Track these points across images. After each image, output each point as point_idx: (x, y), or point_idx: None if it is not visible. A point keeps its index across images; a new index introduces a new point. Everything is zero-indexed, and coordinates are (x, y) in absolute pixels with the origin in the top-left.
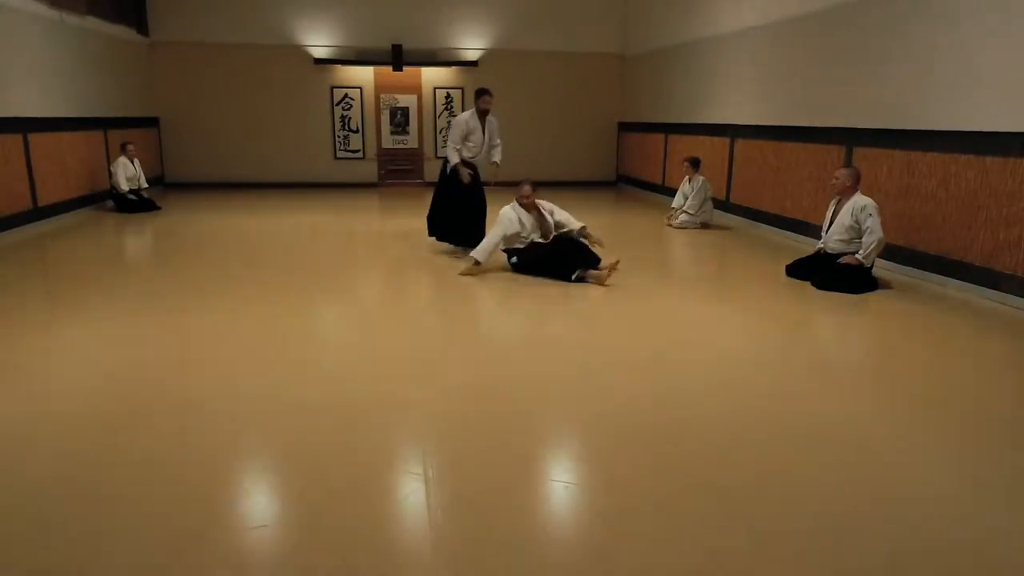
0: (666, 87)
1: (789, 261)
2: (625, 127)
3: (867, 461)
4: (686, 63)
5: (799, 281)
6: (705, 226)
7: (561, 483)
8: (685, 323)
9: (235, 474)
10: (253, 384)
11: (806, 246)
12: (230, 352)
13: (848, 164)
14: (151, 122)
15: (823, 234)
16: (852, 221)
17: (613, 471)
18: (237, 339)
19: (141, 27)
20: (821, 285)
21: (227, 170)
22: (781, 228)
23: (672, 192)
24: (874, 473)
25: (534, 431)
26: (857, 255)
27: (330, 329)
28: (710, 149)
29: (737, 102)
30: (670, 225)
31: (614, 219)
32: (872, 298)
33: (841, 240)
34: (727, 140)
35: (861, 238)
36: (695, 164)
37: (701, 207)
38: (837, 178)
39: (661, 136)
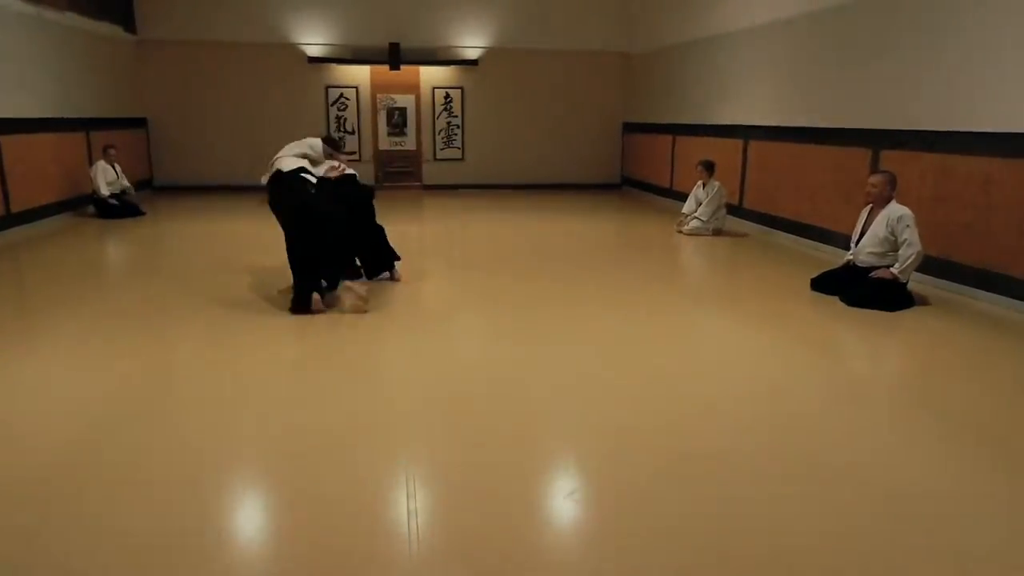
0: (674, 86)
1: (812, 272)
2: (630, 128)
3: (897, 500)
4: (696, 61)
5: (826, 296)
6: (718, 233)
7: (562, 501)
8: (699, 342)
9: (223, 497)
10: (238, 413)
11: (828, 256)
12: (214, 378)
13: (876, 168)
14: (139, 123)
15: (852, 245)
16: (887, 232)
17: (615, 502)
18: (222, 363)
19: (128, 24)
20: (852, 301)
21: (218, 173)
22: (799, 235)
23: (681, 196)
24: (906, 514)
25: (528, 460)
26: (892, 269)
27: (315, 353)
28: (722, 151)
29: (751, 102)
30: (680, 232)
31: (619, 224)
32: (908, 316)
33: (874, 253)
34: (740, 142)
35: (896, 251)
36: (709, 168)
37: (714, 214)
38: (873, 185)
39: (669, 138)
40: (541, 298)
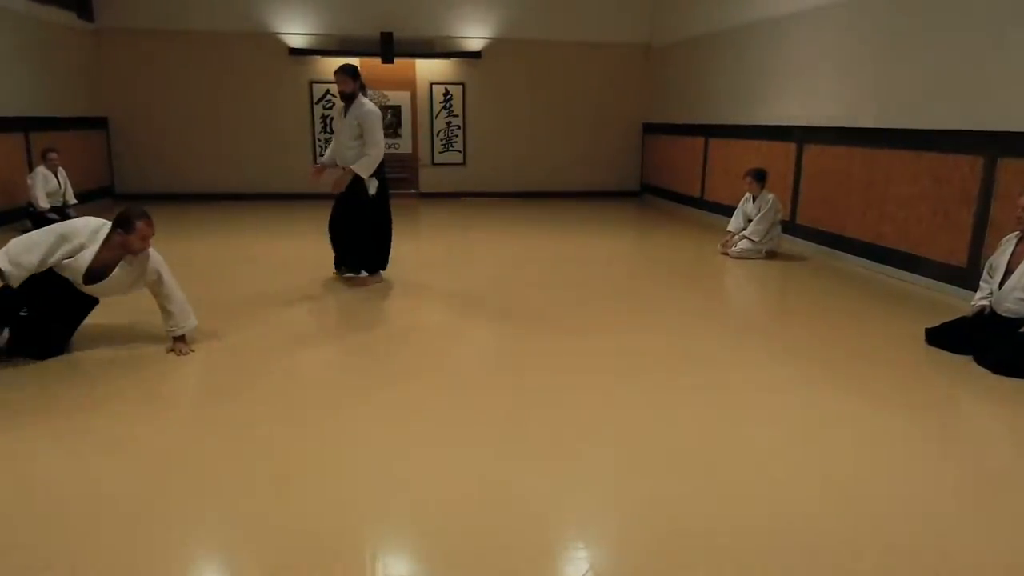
0: (707, 82)
1: (908, 311)
2: (651, 129)
3: None
4: (734, 52)
5: (951, 355)
6: (771, 256)
7: None
8: (773, 418)
9: None
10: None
11: (918, 288)
12: (169, 462)
13: (990, 181)
14: (98, 123)
15: (985, 284)
16: None
17: None
18: (167, 446)
19: (83, 10)
20: (995, 366)
21: (188, 179)
22: (874, 261)
23: (714, 208)
24: None
25: None
26: None
27: (275, 431)
28: (768, 156)
29: (808, 98)
30: (726, 254)
31: (649, 243)
32: None
33: None
34: (792, 145)
35: None
36: (760, 178)
37: (768, 232)
38: None
39: (699, 140)
40: (568, 363)
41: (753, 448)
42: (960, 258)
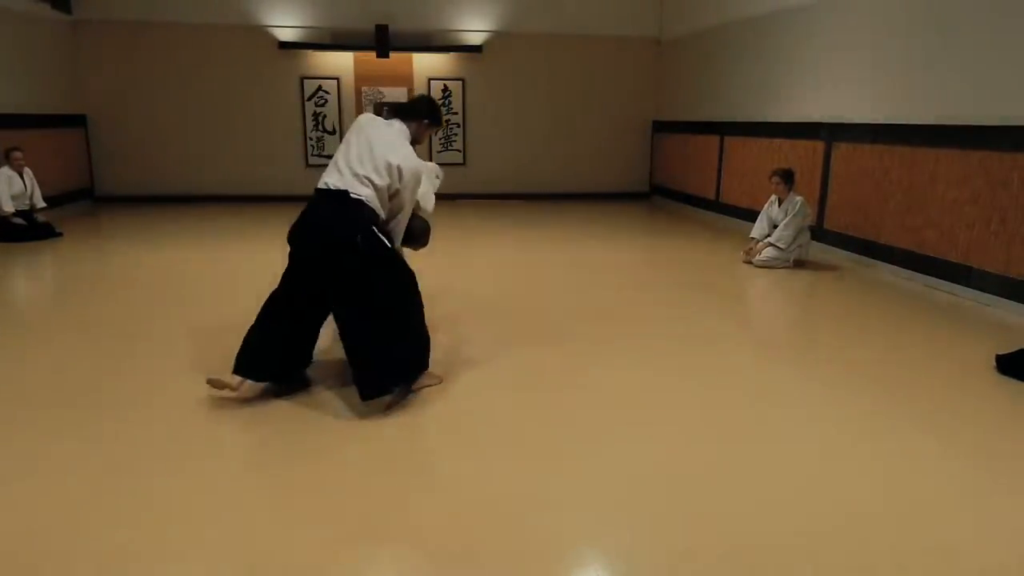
0: (721, 76)
1: (968, 329)
2: (662, 127)
3: None
4: (752, 44)
5: None
6: (800, 264)
7: None
8: (822, 457)
9: None
10: None
11: (973, 303)
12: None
13: None
14: (75, 121)
15: None
16: None
17: None
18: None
19: (59, 1)
20: None
21: (173, 180)
22: (915, 271)
23: (730, 211)
24: None
25: None
26: None
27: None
28: (791, 155)
29: (837, 93)
30: (749, 262)
31: (666, 252)
32: None
33: None
34: (820, 144)
35: None
36: (788, 179)
37: (796, 239)
38: None
39: (714, 139)
40: (599, 432)
41: (815, 495)
42: (1022, 270)
